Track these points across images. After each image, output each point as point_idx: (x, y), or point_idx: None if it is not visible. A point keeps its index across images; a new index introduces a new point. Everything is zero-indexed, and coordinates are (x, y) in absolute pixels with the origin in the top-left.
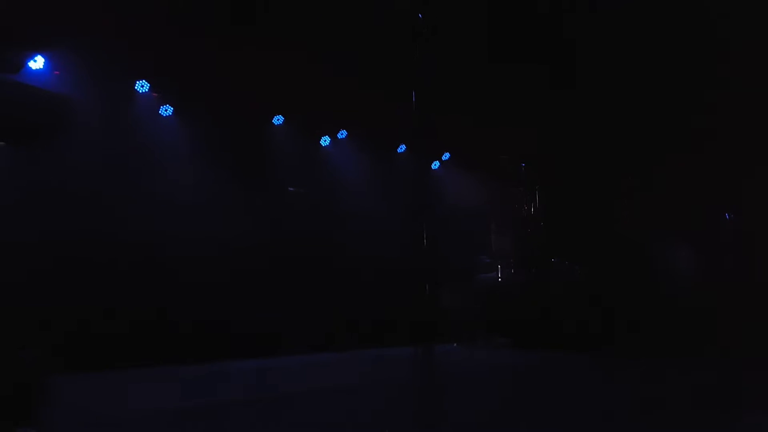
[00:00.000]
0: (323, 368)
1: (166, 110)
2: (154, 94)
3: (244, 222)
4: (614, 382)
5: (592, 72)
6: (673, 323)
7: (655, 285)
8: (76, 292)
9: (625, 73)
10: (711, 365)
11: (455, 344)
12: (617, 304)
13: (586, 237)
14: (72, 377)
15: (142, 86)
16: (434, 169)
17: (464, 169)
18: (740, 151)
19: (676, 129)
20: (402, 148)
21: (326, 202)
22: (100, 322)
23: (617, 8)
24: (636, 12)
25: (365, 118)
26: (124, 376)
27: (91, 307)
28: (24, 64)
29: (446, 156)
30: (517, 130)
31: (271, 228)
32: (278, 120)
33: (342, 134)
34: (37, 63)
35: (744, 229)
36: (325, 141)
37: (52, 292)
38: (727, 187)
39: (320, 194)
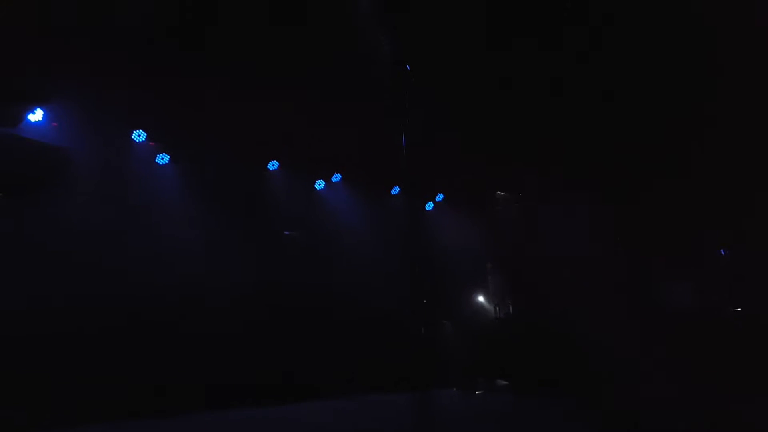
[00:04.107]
0: (320, 415)
1: (162, 158)
2: (151, 143)
3: (241, 268)
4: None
5: (586, 99)
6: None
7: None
8: (75, 348)
9: (619, 97)
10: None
11: (454, 389)
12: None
13: None
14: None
15: (139, 136)
16: (429, 210)
17: (459, 208)
18: (735, 179)
19: (668, 155)
20: (396, 189)
21: (321, 246)
22: (102, 376)
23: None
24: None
25: (358, 161)
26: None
27: (91, 362)
28: (23, 117)
29: (440, 197)
30: (510, 167)
31: (267, 273)
32: (273, 165)
33: (336, 177)
34: (36, 115)
35: (738, 261)
36: (319, 185)
37: (47, 347)
38: (721, 214)
39: (315, 237)
